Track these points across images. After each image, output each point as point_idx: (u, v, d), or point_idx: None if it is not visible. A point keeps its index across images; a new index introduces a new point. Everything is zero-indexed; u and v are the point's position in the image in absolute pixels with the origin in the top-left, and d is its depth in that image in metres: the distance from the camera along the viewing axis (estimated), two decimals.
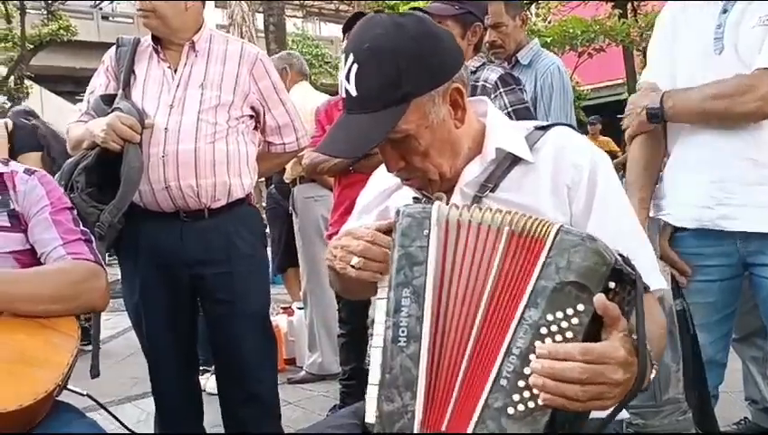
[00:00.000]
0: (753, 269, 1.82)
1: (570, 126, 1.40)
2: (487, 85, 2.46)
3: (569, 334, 1.00)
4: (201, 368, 3.30)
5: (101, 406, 1.71)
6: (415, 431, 1.06)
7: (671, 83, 1.86)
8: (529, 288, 1.03)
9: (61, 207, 1.70)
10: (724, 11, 1.78)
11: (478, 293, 1.09)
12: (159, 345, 2.36)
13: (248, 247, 2.34)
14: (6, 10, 16.39)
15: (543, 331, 1.01)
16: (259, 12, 11.75)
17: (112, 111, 2.17)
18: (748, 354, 2.80)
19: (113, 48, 2.40)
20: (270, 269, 5.47)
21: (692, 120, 1.80)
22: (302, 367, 4.20)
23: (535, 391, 0.99)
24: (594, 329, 1.01)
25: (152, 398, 2.46)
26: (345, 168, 3.06)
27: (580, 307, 1.00)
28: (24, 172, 1.73)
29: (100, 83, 2.39)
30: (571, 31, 12.25)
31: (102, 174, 2.14)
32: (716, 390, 1.94)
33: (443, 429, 1.06)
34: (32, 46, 16.68)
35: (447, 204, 1.17)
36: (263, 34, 10.69)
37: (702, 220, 1.80)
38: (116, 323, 5.43)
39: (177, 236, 2.26)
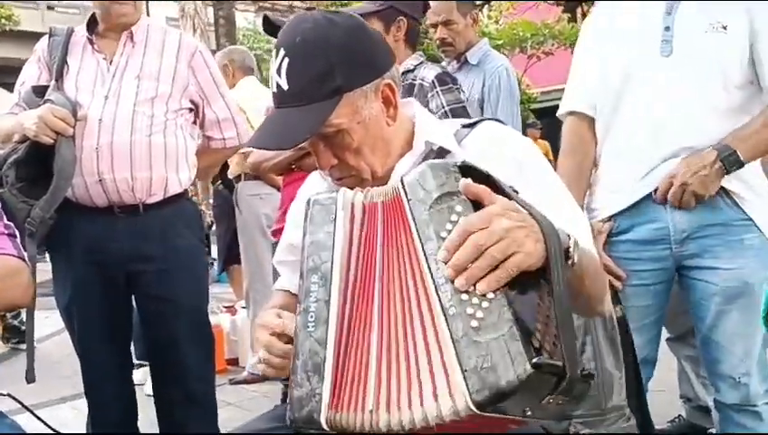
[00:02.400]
0: (689, 272, 1.86)
1: (499, 121, 1.41)
2: (424, 84, 2.44)
3: None
4: (136, 362, 3.23)
5: (24, 407, 1.64)
6: (322, 413, 1.04)
7: (601, 85, 1.89)
8: (413, 230, 1.04)
9: None
10: (668, 12, 1.81)
11: (372, 267, 1.09)
12: (92, 345, 2.29)
13: (185, 244, 2.29)
14: None
15: None
16: (210, 5, 11.59)
17: (44, 103, 2.10)
18: (683, 353, 2.86)
19: (45, 38, 2.32)
20: (216, 267, 5.42)
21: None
22: (244, 367, 4.14)
23: (478, 291, 0.97)
24: None
25: None
26: (288, 166, 3.01)
27: (459, 208, 1.02)
28: None
29: (31, 74, 2.31)
30: (520, 34, 12.40)
31: (34, 168, 2.07)
32: (647, 385, 1.98)
33: (345, 409, 1.04)
34: None
35: None
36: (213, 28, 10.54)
37: (635, 193, 1.83)
38: (56, 321, 5.26)
39: (110, 232, 2.20)
